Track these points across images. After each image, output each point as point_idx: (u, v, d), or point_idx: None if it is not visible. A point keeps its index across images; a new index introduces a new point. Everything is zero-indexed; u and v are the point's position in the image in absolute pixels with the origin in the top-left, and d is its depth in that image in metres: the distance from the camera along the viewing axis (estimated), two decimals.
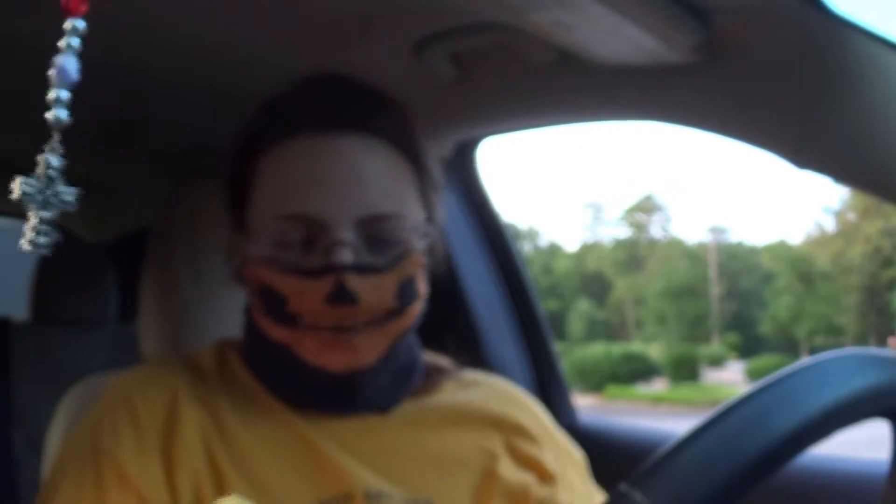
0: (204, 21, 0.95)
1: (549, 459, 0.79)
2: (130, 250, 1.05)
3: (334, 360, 0.68)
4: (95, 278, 1.87)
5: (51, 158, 0.42)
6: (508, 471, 0.76)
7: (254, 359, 0.75)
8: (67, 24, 0.40)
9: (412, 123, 0.75)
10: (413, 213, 0.71)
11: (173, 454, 0.67)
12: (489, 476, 0.74)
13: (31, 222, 0.42)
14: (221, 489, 0.66)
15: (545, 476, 0.77)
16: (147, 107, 1.23)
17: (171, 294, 0.95)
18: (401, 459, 0.73)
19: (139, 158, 1.54)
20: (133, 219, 1.83)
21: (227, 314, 0.95)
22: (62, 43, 0.40)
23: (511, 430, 0.78)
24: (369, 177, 0.69)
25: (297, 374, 0.70)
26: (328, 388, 0.71)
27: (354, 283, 0.66)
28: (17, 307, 1.98)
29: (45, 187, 0.42)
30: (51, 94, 0.40)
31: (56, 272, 1.85)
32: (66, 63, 0.40)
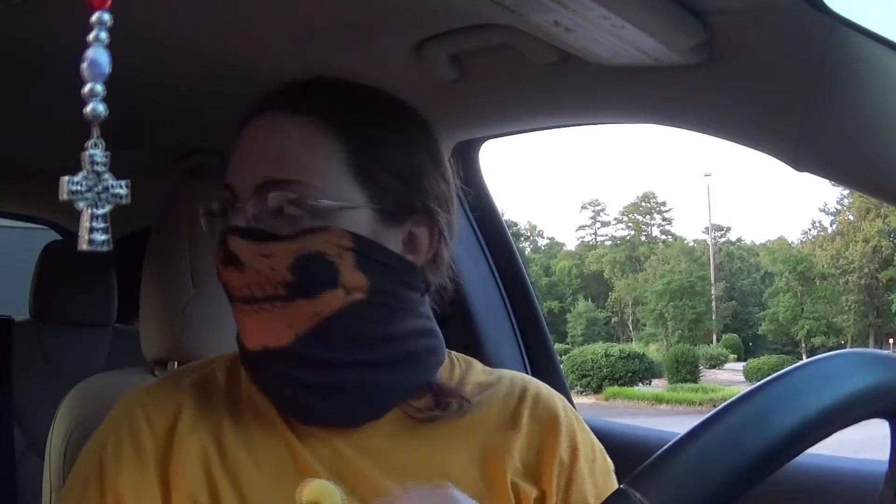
0: (204, 23, 0.95)
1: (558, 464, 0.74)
2: (130, 250, 1.05)
3: (248, 336, 0.69)
4: (96, 278, 1.87)
5: (95, 153, 0.41)
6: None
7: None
8: (94, 17, 0.39)
9: (378, 111, 0.73)
10: (332, 188, 0.67)
11: (171, 481, 0.67)
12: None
13: (85, 221, 0.40)
14: None
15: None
16: (147, 108, 1.23)
17: (171, 294, 0.95)
18: (402, 475, 0.69)
19: (139, 158, 1.54)
20: (133, 219, 1.83)
21: (227, 314, 0.95)
22: (91, 36, 0.39)
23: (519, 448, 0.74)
24: (272, 146, 0.69)
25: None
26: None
27: (238, 246, 0.66)
28: (18, 307, 1.98)
29: (94, 184, 0.40)
30: (85, 89, 0.39)
31: (56, 272, 1.85)
32: (97, 55, 0.39)
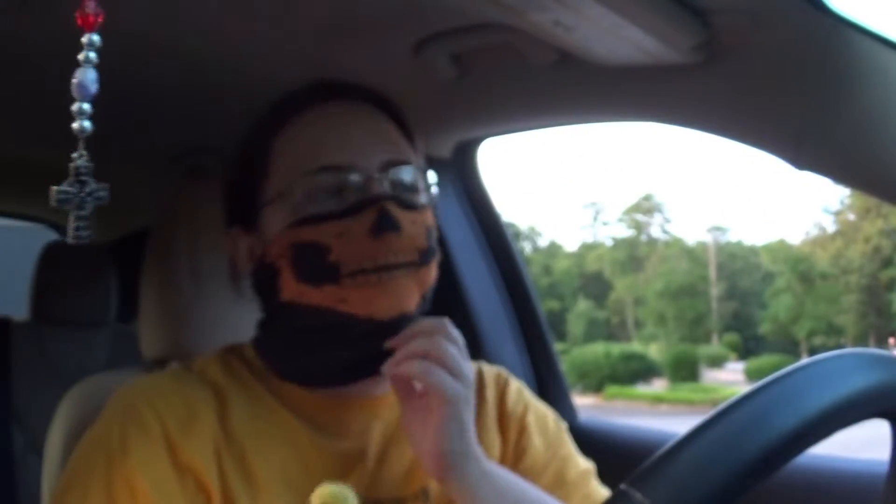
0: (203, 24, 0.95)
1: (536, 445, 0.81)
2: (130, 250, 1.05)
3: (381, 306, 0.69)
4: (96, 278, 1.87)
5: (80, 164, 0.48)
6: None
7: (277, 349, 0.75)
8: (84, 39, 0.41)
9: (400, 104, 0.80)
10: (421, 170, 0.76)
11: (184, 465, 0.67)
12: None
13: (72, 220, 0.48)
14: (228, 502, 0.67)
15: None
16: (148, 108, 1.23)
17: (171, 294, 0.95)
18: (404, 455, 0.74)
19: (139, 158, 1.54)
20: (133, 219, 1.83)
21: (226, 314, 0.95)
22: (80, 56, 0.42)
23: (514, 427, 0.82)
24: (383, 130, 0.75)
25: (341, 337, 0.71)
26: (370, 350, 0.70)
27: (396, 211, 0.69)
28: (18, 307, 1.98)
29: (79, 191, 0.48)
30: (74, 107, 0.44)
31: (56, 272, 1.85)
32: (85, 77, 0.43)
